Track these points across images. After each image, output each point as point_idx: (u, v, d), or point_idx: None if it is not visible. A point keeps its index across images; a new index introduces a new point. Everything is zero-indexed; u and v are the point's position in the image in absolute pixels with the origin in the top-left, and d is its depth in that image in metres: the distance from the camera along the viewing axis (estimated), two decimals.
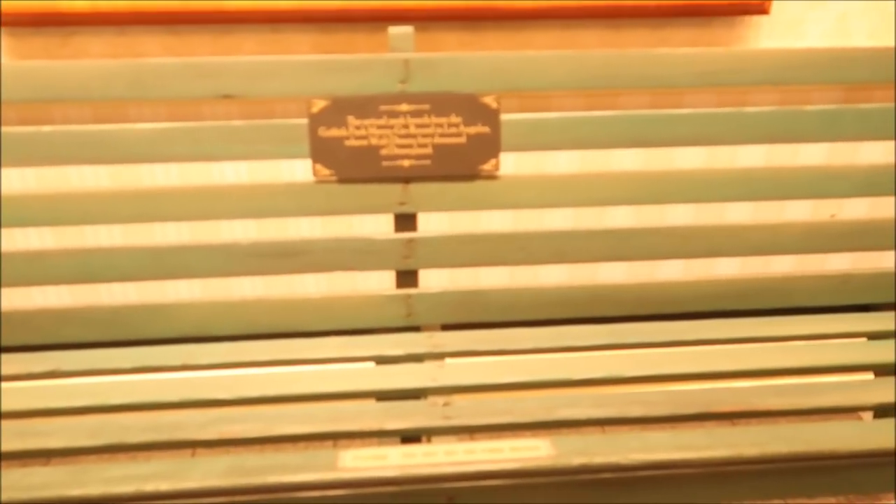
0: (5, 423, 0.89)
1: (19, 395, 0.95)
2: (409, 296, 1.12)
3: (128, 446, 0.85)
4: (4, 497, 0.74)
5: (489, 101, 1.07)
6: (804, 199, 1.20)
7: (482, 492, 0.80)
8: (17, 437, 0.86)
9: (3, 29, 1.16)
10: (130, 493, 0.75)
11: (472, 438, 0.88)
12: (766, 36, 1.24)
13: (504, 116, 1.08)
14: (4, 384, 0.97)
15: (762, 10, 1.20)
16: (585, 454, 0.81)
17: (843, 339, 1.12)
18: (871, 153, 1.33)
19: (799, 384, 0.99)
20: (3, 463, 0.82)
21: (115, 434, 0.86)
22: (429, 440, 0.90)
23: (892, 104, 1.13)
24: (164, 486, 0.76)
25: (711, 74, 1.10)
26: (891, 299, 1.19)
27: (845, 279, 1.18)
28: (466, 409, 0.92)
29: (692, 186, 1.15)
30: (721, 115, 1.11)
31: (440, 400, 0.94)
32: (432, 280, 1.15)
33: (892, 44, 1.23)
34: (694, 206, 1.33)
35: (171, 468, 0.78)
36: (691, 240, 1.17)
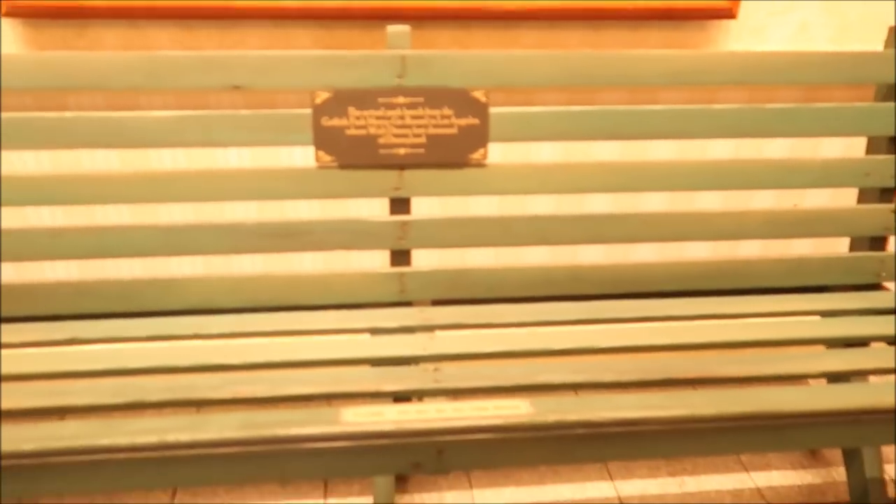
0: (33, 383, 0.97)
1: (44, 359, 1.03)
2: (403, 274, 1.21)
3: (147, 404, 0.94)
4: (39, 446, 0.83)
5: (479, 95, 1.16)
6: (768, 189, 1.31)
7: (468, 445, 0.90)
8: (46, 395, 0.94)
9: (22, 20, 1.23)
10: (154, 442, 0.84)
11: (459, 399, 0.97)
12: (734, 39, 1.34)
13: (492, 109, 1.17)
14: (29, 350, 1.06)
15: (730, 15, 1.29)
16: (560, 413, 0.90)
17: (799, 317, 1.22)
18: (832, 148, 1.43)
19: (756, 355, 1.10)
20: (35, 418, 0.91)
21: (135, 393, 0.95)
22: (420, 401, 0.99)
23: (849, 104, 1.23)
24: (183, 437, 0.85)
25: (683, 74, 1.19)
26: (843, 281, 1.30)
27: (801, 263, 1.29)
28: (454, 374, 1.01)
29: (665, 176, 1.25)
30: (691, 112, 1.21)
31: (431, 366, 1.04)
32: (424, 259, 1.24)
33: (850, 48, 1.33)
34: (667, 195, 1.43)
35: (190, 422, 0.87)
36: (664, 225, 1.27)
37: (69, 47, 1.26)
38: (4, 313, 1.15)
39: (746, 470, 1.47)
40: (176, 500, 1.33)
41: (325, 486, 1.39)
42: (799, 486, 1.43)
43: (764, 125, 1.23)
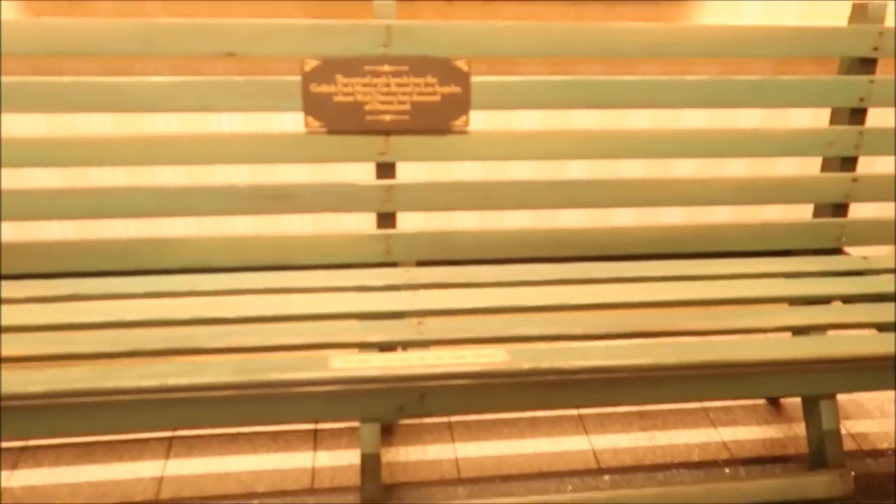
0: (37, 334, 1.03)
1: (46, 312, 1.08)
2: (388, 235, 1.27)
3: (147, 352, 1.00)
4: (48, 388, 0.88)
5: (461, 64, 1.21)
6: (738, 157, 1.37)
7: (449, 390, 0.96)
8: (50, 343, 1.00)
9: None
10: (156, 385, 0.90)
11: (440, 349, 1.04)
12: (708, 14, 1.39)
13: (474, 78, 1.22)
14: (32, 304, 1.11)
15: None
16: (535, 360, 0.97)
17: (764, 279, 1.29)
18: (801, 119, 1.50)
19: (721, 311, 1.17)
20: (40, 364, 0.96)
21: (135, 343, 1.01)
22: (405, 351, 1.06)
23: (814, 77, 1.29)
24: (183, 380, 0.91)
25: (658, 46, 1.25)
26: (807, 245, 1.37)
27: (767, 228, 1.36)
28: (437, 327, 1.08)
29: (641, 144, 1.31)
30: (665, 82, 1.26)
31: (414, 320, 1.10)
32: (409, 222, 1.29)
33: (818, 24, 1.38)
34: (643, 162, 1.49)
35: (189, 368, 0.93)
36: (640, 191, 1.33)
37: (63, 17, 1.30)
38: (6, 271, 1.20)
39: (714, 425, 1.55)
40: (171, 457, 1.40)
41: (315, 439, 1.46)
42: (762, 440, 1.52)
43: (734, 96, 1.29)
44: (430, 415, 0.99)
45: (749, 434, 1.53)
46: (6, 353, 0.97)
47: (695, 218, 1.57)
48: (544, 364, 0.97)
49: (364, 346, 1.04)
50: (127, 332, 1.04)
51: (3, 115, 1.33)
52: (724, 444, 1.50)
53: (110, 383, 0.89)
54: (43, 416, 0.90)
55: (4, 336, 1.01)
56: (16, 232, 1.41)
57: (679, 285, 1.25)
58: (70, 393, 0.89)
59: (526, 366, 0.96)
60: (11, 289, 1.15)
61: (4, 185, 1.19)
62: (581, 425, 1.53)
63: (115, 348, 1.00)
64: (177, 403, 0.92)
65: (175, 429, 1.46)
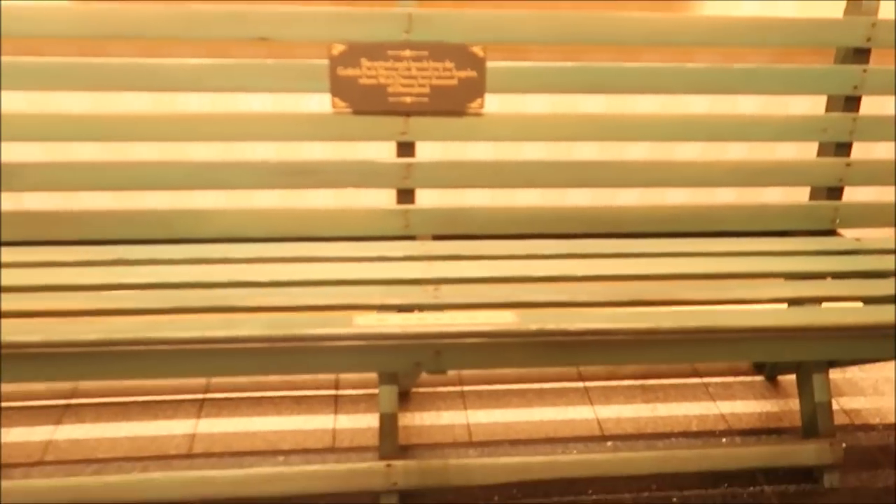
0: (88, 292, 1.12)
1: (94, 274, 1.18)
2: (407, 210, 1.36)
3: (186, 309, 1.09)
4: (101, 337, 0.97)
5: (477, 50, 1.29)
6: (737, 141, 1.44)
7: (462, 347, 1.05)
8: (99, 300, 1.09)
9: None
10: (195, 337, 0.99)
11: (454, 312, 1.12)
12: (711, 7, 1.46)
13: (489, 64, 1.30)
14: (81, 268, 1.21)
15: None
16: (541, 322, 1.05)
17: (761, 256, 1.37)
18: (800, 106, 1.57)
19: (718, 283, 1.25)
20: (89, 318, 1.06)
21: (175, 301, 1.10)
22: (421, 313, 1.14)
23: (809, 65, 1.36)
24: (219, 333, 1.00)
25: (661, 35, 1.32)
26: (802, 227, 1.44)
27: (765, 209, 1.43)
28: (451, 293, 1.16)
29: (646, 128, 1.38)
30: (667, 69, 1.34)
31: (431, 287, 1.19)
32: (426, 198, 1.38)
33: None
34: (648, 145, 1.57)
35: (224, 322, 1.02)
36: (644, 172, 1.41)
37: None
38: (56, 237, 1.29)
39: (713, 399, 1.63)
40: (202, 416, 1.49)
41: (336, 403, 1.55)
42: (759, 414, 1.59)
43: (732, 83, 1.36)
44: (444, 370, 1.07)
45: (746, 408, 1.61)
46: (62, 307, 1.07)
47: (697, 199, 1.64)
48: (550, 325, 1.05)
49: (384, 309, 1.13)
50: (167, 293, 1.14)
51: (51, 94, 1.44)
52: (723, 416, 1.58)
53: (154, 334, 0.99)
54: (95, 362, 0.99)
55: (59, 293, 1.11)
56: (62, 201, 1.51)
57: (679, 260, 1.33)
58: (120, 342, 0.98)
59: (533, 326, 1.05)
60: (62, 253, 1.24)
61: (51, 158, 1.28)
62: (586, 396, 1.62)
63: (158, 305, 1.09)
64: (213, 354, 1.01)
65: (206, 390, 1.56)
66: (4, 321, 1.01)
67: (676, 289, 1.21)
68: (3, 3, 1.24)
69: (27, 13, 1.23)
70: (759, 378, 1.70)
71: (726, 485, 1.40)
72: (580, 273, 1.25)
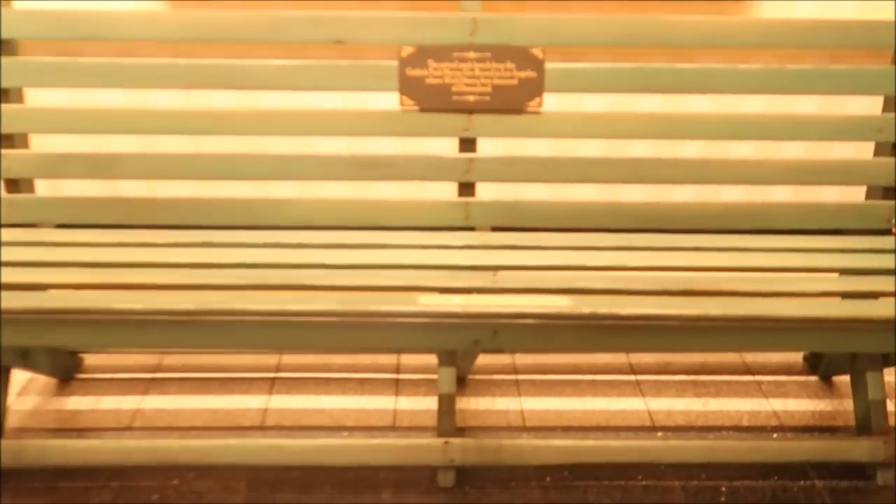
0: (180, 269, 1.24)
1: (185, 254, 1.30)
2: (468, 203, 1.44)
3: (267, 286, 1.20)
4: (196, 306, 1.08)
5: (537, 52, 1.37)
6: (791, 140, 1.47)
7: (518, 328, 1.12)
8: (192, 277, 1.21)
9: None
10: (275, 309, 1.09)
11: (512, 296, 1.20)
12: (767, 9, 1.50)
13: (548, 65, 1.37)
14: (172, 248, 1.33)
15: None
16: (594, 306, 1.11)
17: (815, 253, 1.39)
18: (858, 106, 1.58)
19: (770, 276, 1.28)
20: (182, 291, 1.17)
21: (257, 279, 1.21)
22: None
23: (863, 66, 1.38)
24: (297, 307, 1.10)
25: (715, 37, 1.38)
26: (857, 226, 1.46)
27: (820, 208, 1.46)
28: (509, 278, 1.24)
29: (701, 126, 1.44)
30: (721, 70, 1.39)
31: (490, 273, 1.26)
32: (486, 191, 1.46)
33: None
34: (702, 143, 1.61)
35: (302, 297, 1.12)
36: (699, 169, 1.45)
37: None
38: (147, 221, 1.42)
39: (766, 396, 1.65)
40: (273, 393, 1.60)
41: (397, 386, 1.64)
42: (812, 412, 1.61)
43: (788, 84, 1.40)
44: (501, 349, 1.15)
45: (799, 406, 1.62)
46: (157, 281, 1.18)
47: (752, 196, 1.67)
48: (602, 309, 1.11)
49: (445, 291, 1.21)
50: (249, 271, 1.24)
51: (145, 91, 1.58)
52: (775, 412, 1.60)
53: (239, 305, 1.09)
54: (188, 330, 1.11)
55: (154, 269, 1.23)
56: (148, 189, 1.65)
57: (731, 255, 1.37)
58: (210, 312, 1.09)
59: (586, 310, 1.11)
60: (153, 236, 1.37)
61: (141, 150, 1.41)
62: (638, 389, 1.66)
63: (241, 282, 1.20)
64: (291, 326, 1.11)
65: (277, 369, 1.67)
66: (111, 292, 1.14)
67: (727, 281, 1.25)
68: (105, 9, 1.37)
69: (126, 19, 1.37)
70: (813, 378, 1.71)
71: (776, 477, 1.42)
72: (633, 264, 1.31)
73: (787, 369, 1.73)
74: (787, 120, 1.42)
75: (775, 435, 1.54)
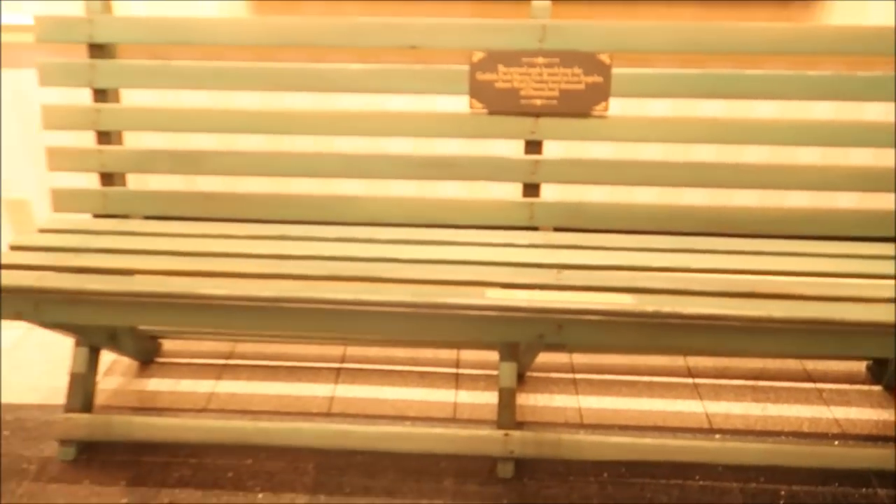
0: (259, 260, 1.31)
1: (263, 246, 1.37)
2: (532, 203, 1.48)
3: (341, 278, 1.26)
4: (276, 293, 1.15)
5: (604, 58, 1.40)
6: (862, 147, 1.47)
7: (582, 324, 1.16)
8: (271, 266, 1.28)
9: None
10: (350, 299, 1.16)
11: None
12: (837, 17, 1.50)
13: (614, 70, 1.41)
14: (250, 240, 1.41)
15: None
16: (658, 305, 1.14)
17: (878, 260, 1.39)
18: None
19: (831, 281, 1.28)
20: (261, 279, 1.24)
21: (332, 270, 1.27)
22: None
23: None
24: (372, 297, 1.16)
25: (781, 43, 1.38)
26: None
27: (885, 215, 1.44)
28: (573, 276, 1.27)
29: (765, 132, 1.44)
30: (787, 77, 1.40)
31: (554, 271, 1.30)
32: (549, 192, 1.50)
33: None
34: (767, 148, 1.62)
35: (374, 289, 1.18)
36: (762, 174, 1.46)
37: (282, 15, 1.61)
38: (228, 216, 1.51)
39: (827, 404, 1.64)
40: (339, 382, 1.67)
41: (456, 380, 1.69)
42: (875, 421, 1.59)
43: (856, 91, 1.40)
44: (564, 344, 1.19)
45: (861, 415, 1.61)
46: (238, 269, 1.26)
47: (817, 202, 1.66)
48: (666, 308, 1.14)
49: (511, 286, 1.25)
50: (324, 263, 1.31)
51: (228, 93, 1.67)
52: (836, 420, 1.59)
53: (317, 294, 1.16)
54: (269, 315, 1.18)
55: (234, 259, 1.31)
56: (225, 185, 1.74)
57: (793, 259, 1.37)
58: (290, 299, 1.16)
59: (650, 308, 1.14)
60: (232, 228, 1.45)
61: (221, 147, 1.50)
62: (696, 391, 1.67)
63: (316, 273, 1.27)
64: (365, 315, 1.17)
65: (342, 360, 1.74)
66: (195, 279, 1.22)
67: (791, 284, 1.26)
68: (194, 17, 1.47)
69: (214, 25, 1.46)
70: (876, 388, 1.70)
71: (837, 484, 1.42)
72: (695, 266, 1.33)
73: (850, 378, 1.72)
74: (855, 126, 1.42)
75: (836, 442, 1.53)
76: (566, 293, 1.21)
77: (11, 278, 1.20)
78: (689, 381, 1.71)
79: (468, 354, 1.78)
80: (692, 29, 1.39)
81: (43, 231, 1.43)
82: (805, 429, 1.57)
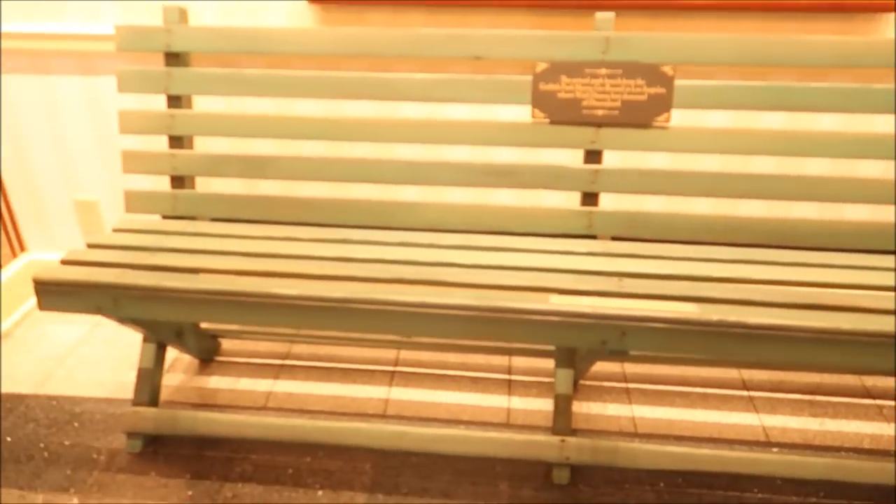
0: (323, 262, 1.35)
1: (326, 248, 1.41)
2: (591, 212, 1.50)
3: (405, 281, 1.29)
4: (346, 294, 1.19)
5: (667, 69, 1.42)
6: None
7: (645, 331, 1.16)
8: (335, 269, 1.32)
9: (320, 5, 1.64)
10: (416, 301, 1.18)
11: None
12: None
13: (677, 82, 1.42)
14: (313, 243, 1.45)
15: (891, 8, 1.46)
16: (722, 314, 1.15)
17: None
18: None
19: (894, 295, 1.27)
20: (328, 281, 1.28)
21: (395, 273, 1.30)
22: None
23: None
24: (436, 300, 1.18)
25: (849, 57, 1.38)
26: None
27: None
28: (634, 285, 1.28)
29: (827, 144, 1.44)
30: (852, 90, 1.39)
31: (615, 278, 1.31)
32: (609, 202, 1.51)
33: None
34: (829, 161, 1.61)
35: (439, 292, 1.21)
36: (822, 187, 1.45)
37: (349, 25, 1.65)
38: (291, 219, 1.55)
39: (888, 421, 1.61)
40: (393, 385, 1.70)
41: (509, 386, 1.70)
42: None
43: None
44: (627, 350, 1.19)
45: None
46: (304, 271, 1.30)
47: (879, 216, 1.65)
48: (731, 317, 1.14)
49: (574, 293, 1.27)
50: (388, 266, 1.34)
51: (293, 100, 1.72)
52: None
53: (382, 296, 1.19)
54: (337, 316, 1.21)
55: (299, 261, 1.35)
56: (287, 189, 1.79)
57: (858, 272, 1.36)
58: (359, 300, 1.19)
59: (714, 317, 1.15)
60: (296, 231, 1.50)
61: (284, 153, 1.55)
62: (751, 404, 1.66)
63: (381, 276, 1.30)
64: (429, 317, 1.20)
65: (396, 363, 1.77)
66: (265, 279, 1.26)
67: (854, 297, 1.25)
68: (263, 27, 1.52)
69: (281, 35, 1.51)
70: None
71: None
72: (756, 277, 1.33)
73: None
74: None
75: None
76: (629, 300, 1.22)
77: (92, 274, 1.26)
78: (745, 393, 1.70)
79: (520, 361, 1.79)
80: (756, 41, 1.40)
81: (117, 230, 1.49)
82: (866, 445, 1.55)
